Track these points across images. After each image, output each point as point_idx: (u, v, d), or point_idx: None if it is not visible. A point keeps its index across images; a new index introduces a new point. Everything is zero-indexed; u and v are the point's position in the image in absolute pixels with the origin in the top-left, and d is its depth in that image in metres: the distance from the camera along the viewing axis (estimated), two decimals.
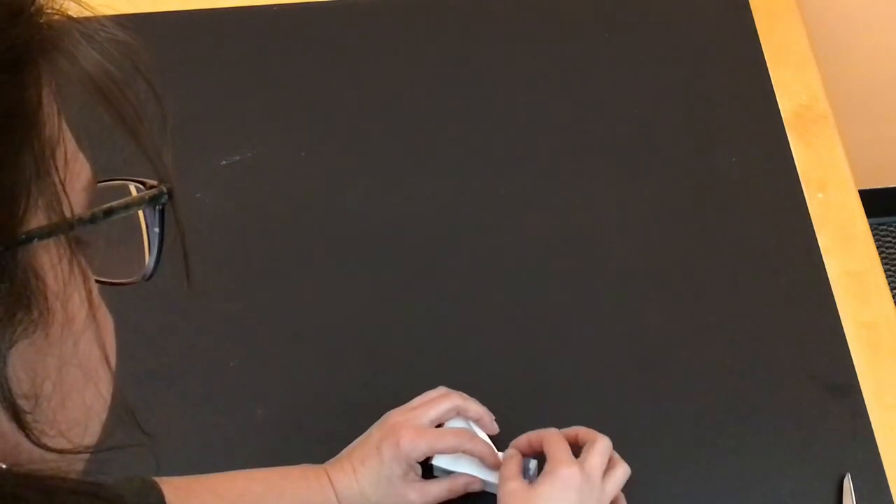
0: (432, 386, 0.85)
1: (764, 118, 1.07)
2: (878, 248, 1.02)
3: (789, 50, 1.13)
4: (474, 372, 0.90)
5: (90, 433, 0.39)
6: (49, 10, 0.35)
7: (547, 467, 0.74)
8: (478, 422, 0.82)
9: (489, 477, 0.80)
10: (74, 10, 0.36)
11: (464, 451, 0.80)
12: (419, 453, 0.78)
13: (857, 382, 0.89)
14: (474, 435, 0.81)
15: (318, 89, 1.12)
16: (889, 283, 0.97)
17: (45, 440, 0.34)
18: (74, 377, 0.37)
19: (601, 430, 0.85)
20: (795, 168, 1.03)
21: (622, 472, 0.76)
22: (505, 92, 1.11)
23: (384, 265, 0.99)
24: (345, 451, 0.81)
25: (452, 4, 1.19)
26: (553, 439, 0.77)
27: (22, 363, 0.34)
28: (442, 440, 0.79)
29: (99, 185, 0.38)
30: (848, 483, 0.83)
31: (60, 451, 0.35)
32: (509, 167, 1.05)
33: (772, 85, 1.10)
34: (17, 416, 0.33)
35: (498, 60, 1.14)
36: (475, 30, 1.17)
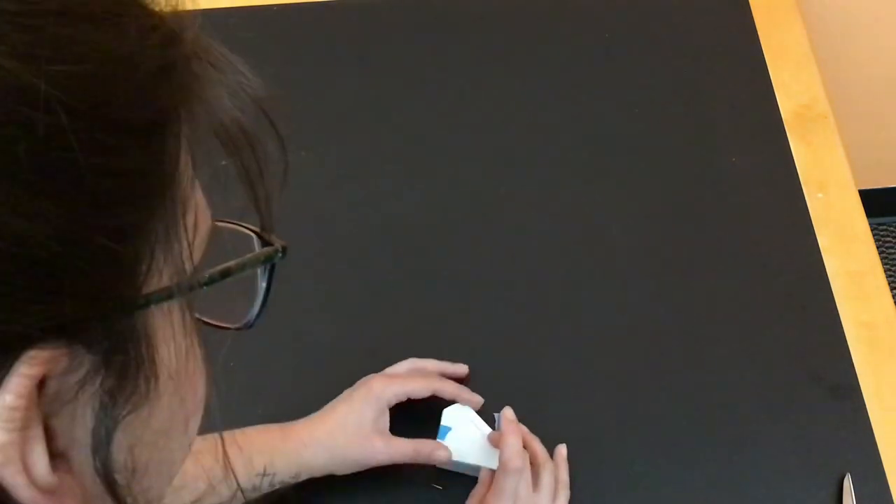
0: None
1: (764, 118, 1.07)
2: (878, 248, 1.02)
3: (789, 50, 1.13)
4: (474, 371, 0.90)
5: (167, 483, 0.36)
6: (196, 59, 0.31)
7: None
8: (457, 397, 0.84)
9: (493, 465, 0.81)
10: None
11: (434, 392, 0.83)
12: (390, 394, 0.80)
13: (857, 382, 0.89)
14: (442, 378, 0.85)
15: (318, 89, 1.12)
16: (889, 283, 0.97)
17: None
18: (170, 437, 0.34)
19: (601, 430, 0.85)
20: (795, 168, 1.03)
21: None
22: (504, 92, 1.11)
23: (384, 265, 0.99)
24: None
25: (453, 5, 1.19)
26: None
27: (124, 437, 0.31)
28: (412, 382, 0.82)
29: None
30: (848, 483, 0.83)
31: None
32: (509, 167, 1.05)
33: (772, 85, 1.09)
34: (112, 489, 0.31)
35: (498, 60, 1.14)
36: (475, 30, 1.17)
